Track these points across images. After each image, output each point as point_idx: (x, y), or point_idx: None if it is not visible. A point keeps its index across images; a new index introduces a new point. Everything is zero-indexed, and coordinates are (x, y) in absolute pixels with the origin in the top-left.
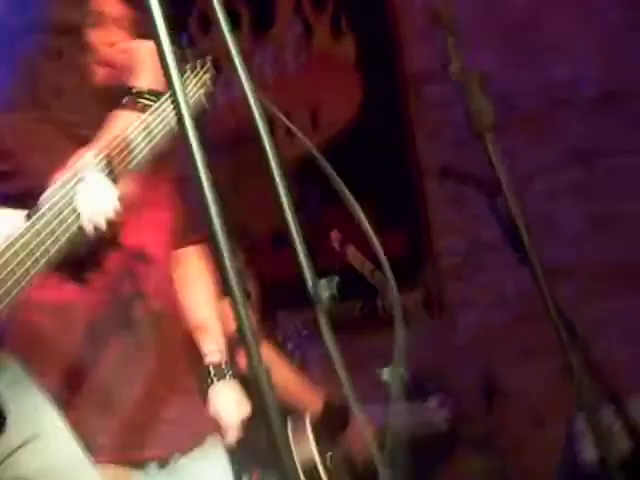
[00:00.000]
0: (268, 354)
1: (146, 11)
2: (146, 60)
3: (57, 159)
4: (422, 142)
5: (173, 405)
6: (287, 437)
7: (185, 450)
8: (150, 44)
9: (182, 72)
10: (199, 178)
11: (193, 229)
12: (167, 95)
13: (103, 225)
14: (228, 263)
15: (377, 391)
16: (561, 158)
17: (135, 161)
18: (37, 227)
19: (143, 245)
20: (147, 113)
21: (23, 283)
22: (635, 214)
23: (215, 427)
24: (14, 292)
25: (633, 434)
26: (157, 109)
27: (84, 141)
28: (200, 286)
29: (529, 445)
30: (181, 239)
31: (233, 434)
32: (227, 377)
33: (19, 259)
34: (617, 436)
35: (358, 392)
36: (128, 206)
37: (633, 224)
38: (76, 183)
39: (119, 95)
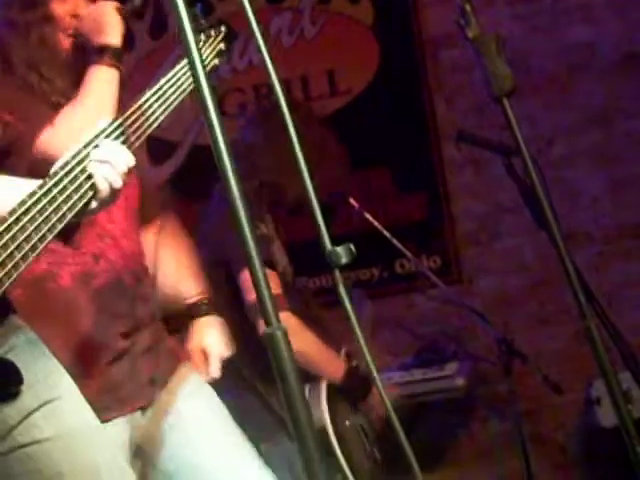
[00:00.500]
0: (290, 321)
1: None
2: (112, 17)
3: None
4: (440, 106)
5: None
6: (305, 400)
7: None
8: (111, 2)
9: (197, 41)
10: (218, 146)
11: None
12: (182, 62)
13: (119, 181)
14: (247, 228)
15: (393, 356)
16: (580, 122)
17: (150, 128)
18: (52, 194)
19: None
20: (162, 79)
21: (38, 249)
22: None
23: (189, 357)
24: (29, 258)
25: None
26: (172, 76)
27: (59, 108)
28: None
29: (546, 409)
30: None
31: (217, 367)
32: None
33: (36, 225)
34: (635, 401)
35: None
36: None
37: None
38: (88, 154)
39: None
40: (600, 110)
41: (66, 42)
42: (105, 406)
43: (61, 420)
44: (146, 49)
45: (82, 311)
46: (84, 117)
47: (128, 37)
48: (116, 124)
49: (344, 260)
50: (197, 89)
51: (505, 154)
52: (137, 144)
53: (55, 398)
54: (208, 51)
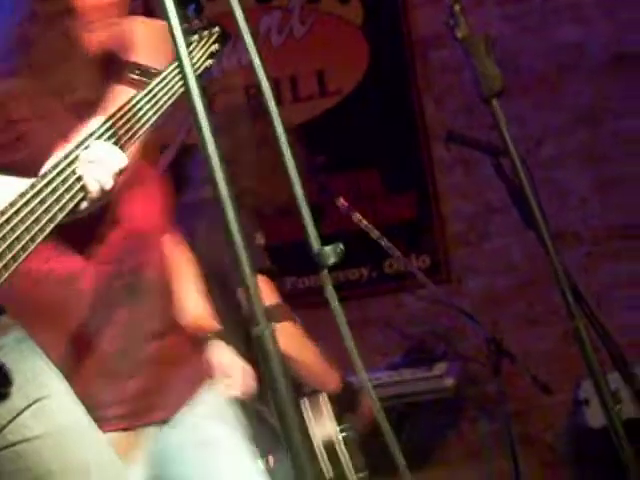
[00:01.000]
0: (293, 332)
1: None
2: (147, 38)
3: (58, 128)
4: (429, 106)
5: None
6: (298, 412)
7: (184, 403)
8: (148, 21)
9: (189, 43)
10: (206, 150)
11: None
12: (173, 64)
13: (110, 182)
14: (237, 236)
15: (382, 356)
16: (569, 122)
17: (142, 129)
18: (43, 195)
19: (137, 221)
20: (153, 82)
21: (29, 250)
22: None
23: (211, 375)
24: (20, 258)
25: None
26: (163, 78)
27: (81, 109)
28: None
29: (535, 410)
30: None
31: (238, 385)
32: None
33: (26, 225)
34: (624, 402)
35: (363, 357)
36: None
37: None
38: (81, 151)
39: (114, 67)
40: (589, 110)
41: (89, 38)
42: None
43: (51, 418)
44: None
45: (106, 312)
46: None
47: None
48: (107, 125)
49: (332, 260)
50: (186, 91)
51: (494, 154)
52: (129, 145)
53: (45, 397)
54: (201, 52)
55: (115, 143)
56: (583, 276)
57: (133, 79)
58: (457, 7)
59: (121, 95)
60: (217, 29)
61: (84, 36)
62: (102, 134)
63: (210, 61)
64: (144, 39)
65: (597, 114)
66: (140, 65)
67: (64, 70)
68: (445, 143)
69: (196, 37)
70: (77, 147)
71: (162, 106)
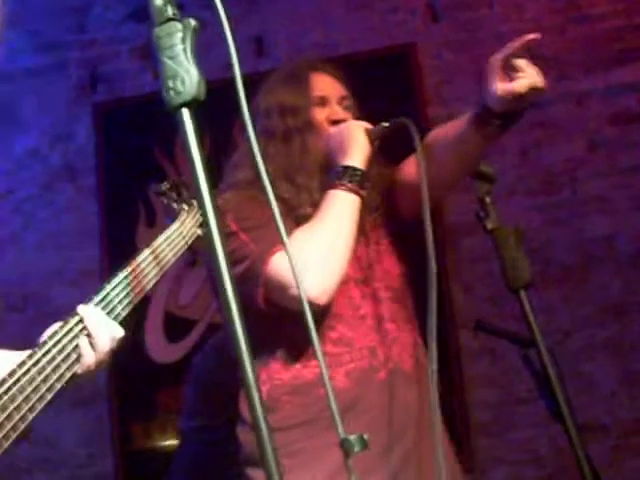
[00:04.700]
0: None
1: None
2: (358, 139)
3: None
4: (458, 294)
5: None
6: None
7: None
8: (357, 122)
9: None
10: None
11: None
12: (175, 224)
13: (105, 352)
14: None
15: None
16: (597, 314)
17: (143, 292)
18: (41, 364)
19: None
20: (159, 239)
21: (28, 420)
22: None
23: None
24: (19, 429)
25: None
26: (168, 237)
27: (304, 221)
28: None
29: None
30: None
31: None
32: None
33: (24, 395)
34: None
35: None
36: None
37: None
38: (77, 322)
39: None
40: (617, 303)
41: (323, 150)
42: None
43: None
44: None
45: (365, 409)
46: (316, 243)
47: (151, 214)
48: (106, 290)
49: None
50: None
51: (522, 345)
52: (128, 310)
53: None
54: (192, 222)
55: (111, 310)
56: (610, 470)
57: (349, 182)
58: (488, 199)
59: (335, 200)
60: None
61: (321, 148)
62: (101, 300)
63: (200, 230)
64: (358, 140)
65: (625, 307)
66: (355, 167)
67: (297, 183)
68: (473, 332)
69: (186, 206)
70: (74, 315)
71: (165, 266)
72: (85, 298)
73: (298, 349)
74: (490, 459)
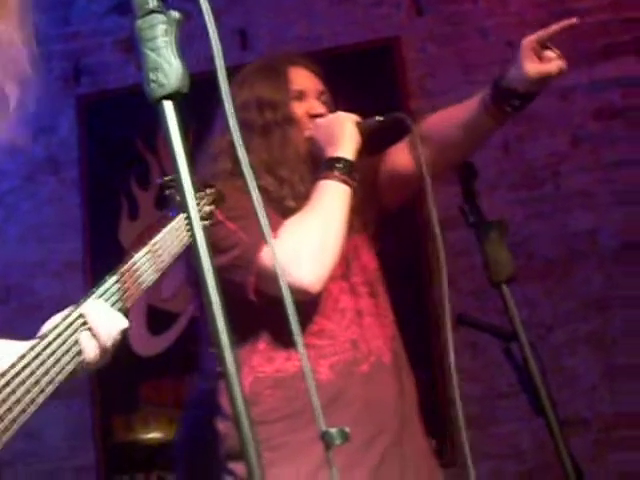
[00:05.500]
0: None
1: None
2: (347, 130)
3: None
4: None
5: None
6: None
7: None
8: (347, 115)
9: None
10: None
11: None
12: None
13: (108, 346)
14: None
15: None
16: (579, 309)
17: (140, 289)
18: (42, 357)
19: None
20: (155, 238)
21: (29, 411)
22: None
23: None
24: (21, 420)
25: None
26: (164, 234)
27: (290, 213)
28: None
29: None
30: None
31: None
32: None
33: (26, 387)
34: None
35: None
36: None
37: None
38: (77, 317)
39: (320, 166)
40: (600, 297)
41: (305, 144)
42: None
43: None
44: (151, 219)
45: (349, 402)
46: (310, 232)
47: (134, 207)
48: (107, 285)
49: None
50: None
51: (504, 339)
52: (129, 305)
53: None
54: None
55: (115, 303)
56: (590, 464)
57: (339, 173)
58: (471, 193)
59: (320, 193)
60: (212, 190)
61: (302, 141)
62: (102, 293)
63: (205, 222)
64: (347, 132)
65: (607, 301)
66: (345, 158)
67: (286, 175)
68: (455, 326)
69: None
70: (77, 307)
71: (161, 265)
72: (68, 290)
73: (281, 342)
74: (472, 453)
